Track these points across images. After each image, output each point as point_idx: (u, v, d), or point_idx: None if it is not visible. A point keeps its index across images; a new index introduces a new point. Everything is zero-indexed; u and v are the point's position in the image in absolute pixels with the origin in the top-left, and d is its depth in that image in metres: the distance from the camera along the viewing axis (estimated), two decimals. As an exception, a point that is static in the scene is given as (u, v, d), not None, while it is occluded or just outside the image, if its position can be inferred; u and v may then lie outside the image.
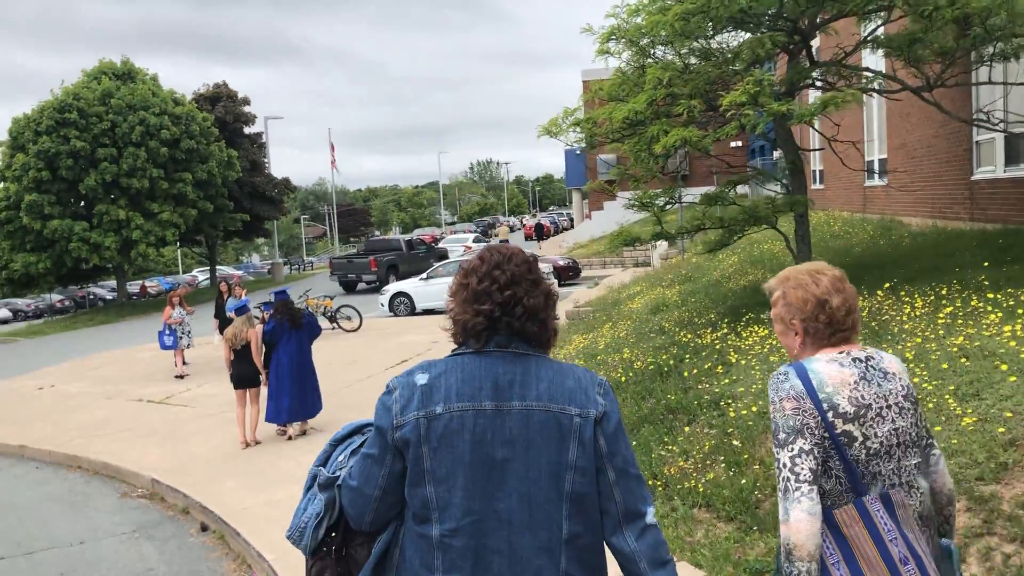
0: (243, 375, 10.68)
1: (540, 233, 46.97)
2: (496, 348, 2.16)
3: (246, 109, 44.43)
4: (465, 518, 2.07)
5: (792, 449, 2.17)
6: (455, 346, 2.24)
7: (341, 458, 2.37)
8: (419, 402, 2.11)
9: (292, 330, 10.64)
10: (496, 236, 48.10)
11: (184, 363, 17.09)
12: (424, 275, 23.90)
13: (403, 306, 23.44)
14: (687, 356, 8.89)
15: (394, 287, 24.18)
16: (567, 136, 9.81)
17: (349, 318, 20.50)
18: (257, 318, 12.42)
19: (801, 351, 2.37)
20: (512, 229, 52.41)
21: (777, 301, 2.43)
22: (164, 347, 16.98)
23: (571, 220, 57.00)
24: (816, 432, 2.18)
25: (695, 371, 8.20)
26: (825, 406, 2.19)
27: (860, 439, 2.19)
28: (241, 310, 11.11)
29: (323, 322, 20.15)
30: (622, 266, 30.89)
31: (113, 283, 46.22)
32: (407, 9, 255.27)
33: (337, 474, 2.31)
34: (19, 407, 15.32)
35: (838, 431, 2.18)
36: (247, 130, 45.03)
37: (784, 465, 2.17)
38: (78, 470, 11.09)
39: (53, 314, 47.26)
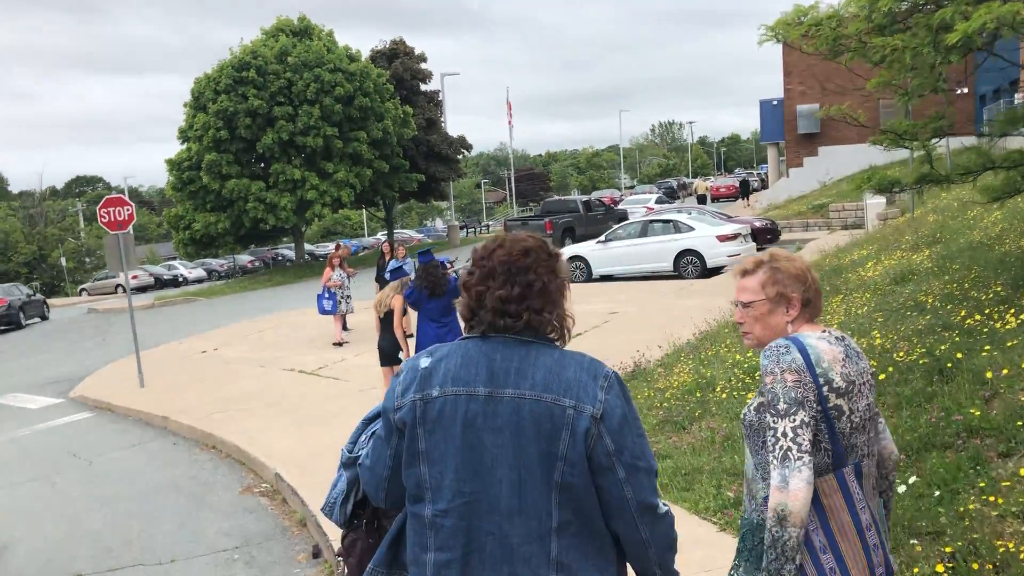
0: (384, 349, 9.08)
1: (746, 190, 43.62)
2: (497, 334, 2.14)
3: (422, 66, 43.34)
4: (456, 499, 2.08)
5: (794, 420, 2.21)
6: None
7: (363, 438, 2.42)
8: (418, 385, 2.13)
9: (432, 298, 8.74)
10: (695, 191, 45.68)
11: (345, 329, 15.82)
12: (602, 238, 21.70)
13: (578, 271, 21.41)
14: (977, 346, 6.23)
15: (568, 250, 22.14)
16: (797, 38, 7.15)
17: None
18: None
19: (793, 328, 2.40)
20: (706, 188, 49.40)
21: (768, 279, 2.42)
22: (323, 311, 15.74)
23: (761, 180, 52.95)
24: (813, 405, 2.24)
25: (1005, 371, 5.56)
26: (821, 380, 2.26)
27: (847, 413, 2.29)
28: (396, 272, 9.32)
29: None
30: (828, 228, 27.49)
31: (306, 245, 47.04)
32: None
33: (358, 454, 2.39)
34: (178, 372, 14.81)
35: (830, 405, 2.26)
36: (423, 87, 43.93)
37: (784, 435, 2.20)
38: (212, 450, 9.97)
39: (244, 274, 48.63)
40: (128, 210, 14.39)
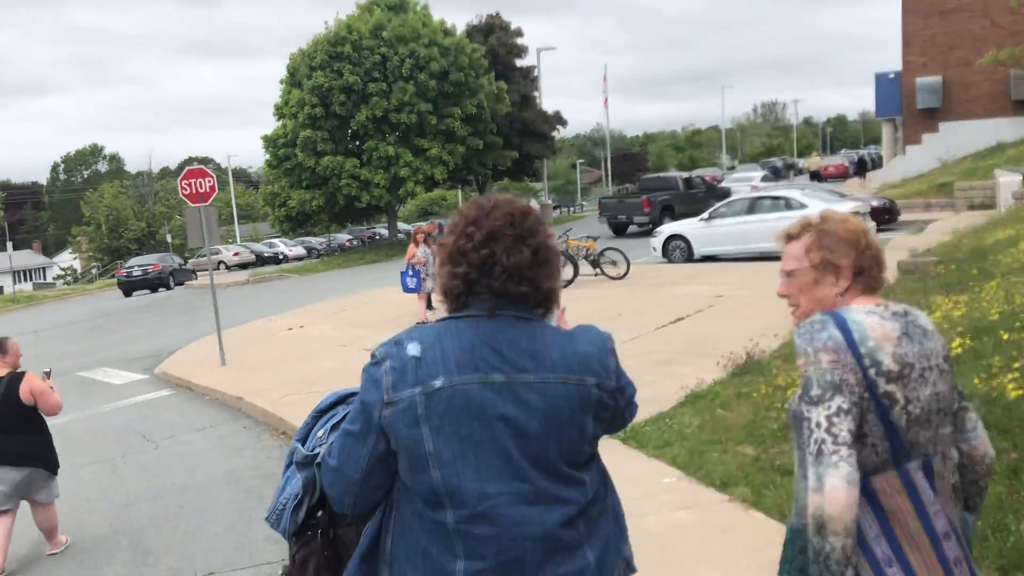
0: None
1: (862, 168, 41.52)
2: (491, 312, 1.91)
3: (518, 41, 42.23)
4: (482, 503, 1.85)
5: (829, 407, 1.90)
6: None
7: (321, 433, 2.16)
8: (414, 376, 1.87)
9: None
10: (807, 168, 43.63)
11: (429, 308, 15.03)
12: (705, 215, 20.32)
13: (679, 251, 20.14)
14: None
15: (669, 228, 20.88)
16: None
17: (614, 263, 17.56)
18: None
19: (841, 301, 2.10)
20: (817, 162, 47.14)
21: (812, 244, 2.12)
22: (407, 289, 14.98)
23: (872, 160, 50.01)
24: (856, 390, 1.93)
25: None
26: (867, 362, 1.94)
27: (902, 402, 1.97)
28: None
29: (585, 267, 17.64)
30: (952, 208, 25.31)
31: (401, 224, 46.89)
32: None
33: (316, 451, 2.12)
34: (262, 350, 14.45)
35: (880, 391, 1.94)
36: (519, 63, 42.79)
37: (818, 425, 1.90)
38: (281, 436, 9.37)
39: (341, 252, 48.86)
40: (210, 181, 13.87)
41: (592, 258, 17.60)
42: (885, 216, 22.55)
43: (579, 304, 14.01)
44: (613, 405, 1.97)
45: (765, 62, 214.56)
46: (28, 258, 79.86)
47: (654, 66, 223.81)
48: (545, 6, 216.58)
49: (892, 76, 37.16)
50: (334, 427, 2.14)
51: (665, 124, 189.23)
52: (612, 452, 6.13)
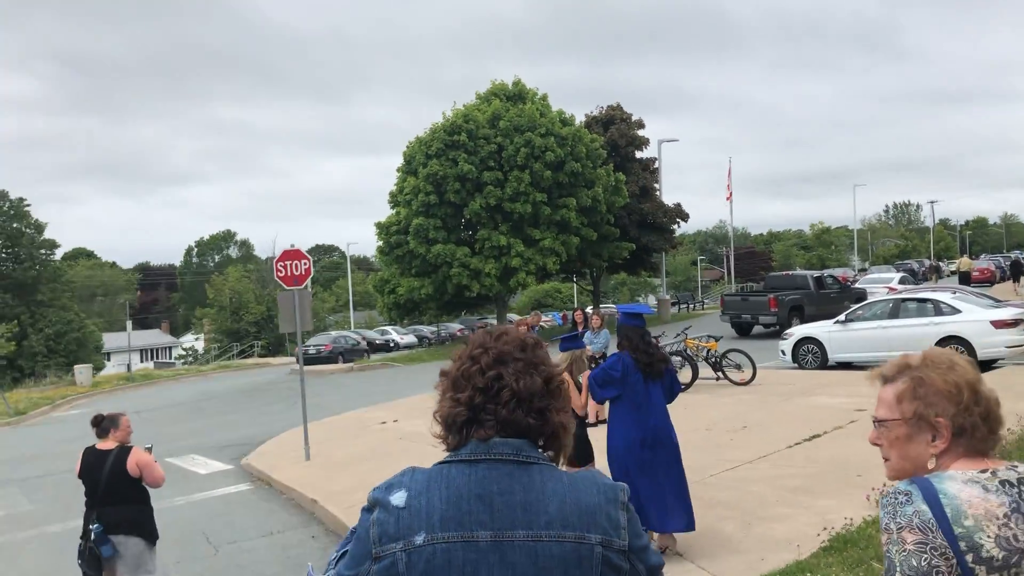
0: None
1: (1017, 271, 38.54)
2: (489, 456, 1.75)
3: (639, 133, 41.52)
4: None
5: None
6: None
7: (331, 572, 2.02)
8: (396, 529, 1.73)
9: (647, 380, 6.51)
10: (958, 269, 40.99)
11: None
12: (842, 317, 18.55)
13: (811, 355, 18.36)
14: None
15: (800, 331, 19.17)
16: None
17: (738, 366, 15.99)
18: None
19: (938, 463, 1.81)
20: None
21: (905, 392, 1.84)
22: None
23: (1013, 266, 46.33)
24: None
25: None
26: (963, 545, 1.66)
27: None
28: (568, 341, 7.12)
29: (705, 370, 16.13)
30: None
31: (512, 316, 46.28)
32: (801, 53, 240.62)
33: None
34: (350, 444, 13.78)
35: None
36: (639, 155, 41.97)
37: None
38: None
39: (453, 342, 48.39)
40: (305, 264, 13.30)
41: (714, 360, 16.08)
42: (1049, 327, 20.07)
43: (697, 411, 12.51)
44: (628, 568, 1.74)
45: (892, 164, 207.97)
46: (155, 337, 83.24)
47: (777, 166, 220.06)
48: (665, 106, 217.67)
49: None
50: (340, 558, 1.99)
51: (790, 224, 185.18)
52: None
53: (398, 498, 1.74)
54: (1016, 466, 1.77)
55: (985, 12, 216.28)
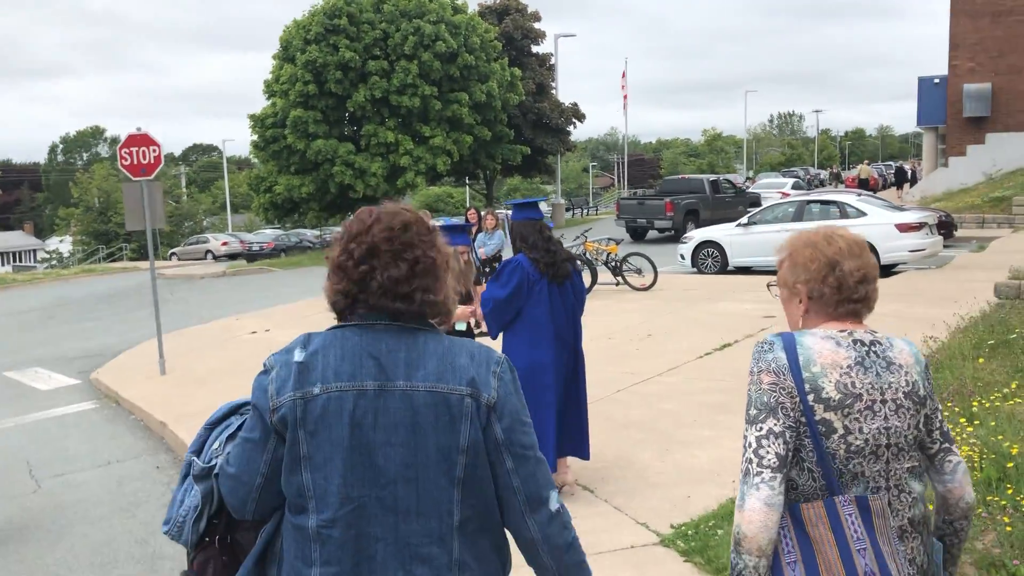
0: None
1: (901, 179, 39.67)
2: (379, 321, 1.94)
3: (536, 25, 39.48)
4: (344, 507, 1.87)
5: (760, 429, 1.95)
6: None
7: (216, 445, 2.15)
8: (295, 382, 1.89)
9: (552, 284, 5.35)
10: (859, 175, 41.63)
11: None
12: (743, 220, 17.97)
13: (711, 260, 17.80)
14: None
15: (700, 235, 18.54)
16: None
17: (639, 271, 15.16)
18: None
19: (803, 322, 2.14)
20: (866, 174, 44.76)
21: (783, 263, 2.18)
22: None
23: (897, 173, 47.39)
24: (791, 414, 1.96)
25: None
26: (807, 387, 1.96)
27: (841, 432, 1.96)
28: (449, 233, 5.83)
29: (604, 274, 15.24)
30: (1010, 225, 23.17)
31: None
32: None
33: (213, 463, 2.11)
34: (212, 358, 12.43)
35: (817, 418, 1.95)
36: (535, 49, 39.97)
37: (749, 445, 1.96)
38: None
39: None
40: (155, 151, 11.51)
41: (614, 264, 15.16)
42: (940, 231, 20.25)
43: (598, 319, 11.50)
44: (487, 422, 1.90)
45: (776, 76, 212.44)
46: (18, 239, 77.87)
47: (665, 75, 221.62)
48: (554, 11, 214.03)
49: (937, 81, 34.73)
50: (230, 437, 2.12)
51: (677, 132, 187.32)
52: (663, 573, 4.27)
53: (298, 355, 1.88)
54: (875, 332, 2.05)
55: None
